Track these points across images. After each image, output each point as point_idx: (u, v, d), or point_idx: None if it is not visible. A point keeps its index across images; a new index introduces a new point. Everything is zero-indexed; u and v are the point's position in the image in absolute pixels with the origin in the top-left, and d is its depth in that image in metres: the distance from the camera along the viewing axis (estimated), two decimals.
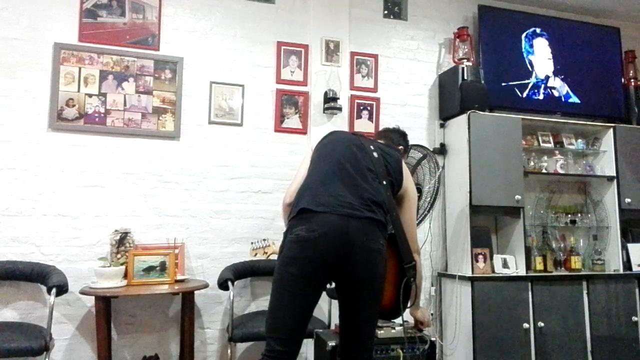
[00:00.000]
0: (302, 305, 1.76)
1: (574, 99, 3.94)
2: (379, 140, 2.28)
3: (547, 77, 3.90)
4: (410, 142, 3.30)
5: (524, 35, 3.87)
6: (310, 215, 1.76)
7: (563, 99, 3.92)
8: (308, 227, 1.74)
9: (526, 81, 3.82)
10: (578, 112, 3.93)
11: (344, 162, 1.89)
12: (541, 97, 3.86)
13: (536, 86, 3.85)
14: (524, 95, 3.80)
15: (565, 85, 3.94)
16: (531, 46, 3.88)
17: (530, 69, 3.85)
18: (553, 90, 3.89)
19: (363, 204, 1.79)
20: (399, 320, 3.14)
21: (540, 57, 3.90)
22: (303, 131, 3.43)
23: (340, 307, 1.86)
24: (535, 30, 3.91)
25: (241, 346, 3.18)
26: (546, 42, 3.94)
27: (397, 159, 2.04)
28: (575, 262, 3.56)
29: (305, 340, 3.21)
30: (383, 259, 1.81)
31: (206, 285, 2.90)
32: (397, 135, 2.39)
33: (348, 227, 1.74)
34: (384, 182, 1.90)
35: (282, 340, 1.75)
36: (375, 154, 1.96)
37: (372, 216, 1.79)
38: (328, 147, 1.99)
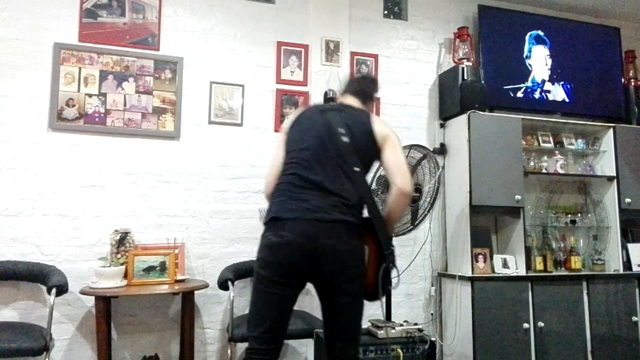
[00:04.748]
0: (277, 305, 1.77)
1: (573, 99, 3.94)
2: (349, 102, 2.12)
3: (545, 79, 3.90)
4: (410, 142, 3.32)
5: (525, 36, 3.87)
6: (281, 223, 1.78)
7: (563, 99, 3.92)
8: (276, 233, 1.77)
9: (526, 83, 3.82)
10: (578, 112, 3.93)
11: (313, 162, 1.85)
12: (541, 97, 3.85)
13: (536, 87, 3.85)
14: (524, 95, 3.80)
15: (564, 85, 3.94)
16: (531, 47, 3.88)
17: (530, 68, 3.84)
18: (552, 91, 3.89)
19: (332, 206, 1.78)
20: (399, 320, 3.15)
21: (541, 57, 3.90)
22: None
23: (321, 308, 1.87)
24: (535, 31, 3.91)
25: (241, 346, 3.18)
26: (546, 43, 3.94)
27: (364, 122, 1.94)
28: (575, 262, 3.56)
29: (305, 341, 3.22)
30: (358, 257, 1.80)
31: (206, 285, 2.90)
32: (367, 87, 2.21)
33: (316, 231, 1.74)
34: (356, 169, 1.86)
35: (261, 339, 1.77)
36: (344, 139, 1.87)
37: (343, 218, 1.77)
38: (298, 137, 1.94)
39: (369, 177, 1.96)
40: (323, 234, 1.74)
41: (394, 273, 1.92)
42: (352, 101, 2.12)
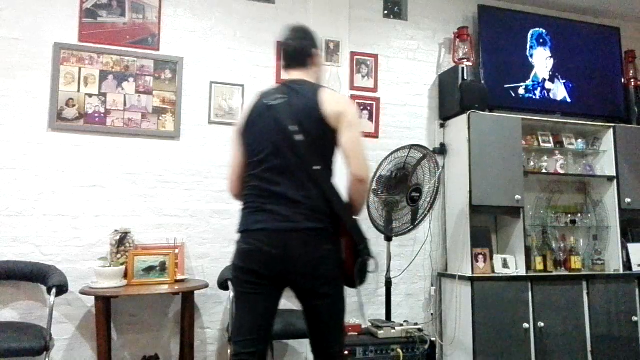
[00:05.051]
0: (256, 308, 1.77)
1: (573, 99, 3.94)
2: (294, 77, 1.94)
3: (546, 79, 3.90)
4: (410, 142, 3.32)
5: (527, 35, 3.87)
6: (250, 233, 1.78)
7: (563, 99, 3.92)
8: (246, 241, 1.78)
9: (526, 82, 3.82)
10: (578, 112, 3.92)
11: (272, 174, 1.79)
12: (541, 97, 3.86)
13: (535, 87, 3.85)
14: (524, 95, 3.80)
15: (564, 85, 3.94)
16: (532, 47, 3.88)
17: (530, 69, 3.85)
18: (551, 91, 3.89)
19: (299, 214, 1.74)
20: (399, 320, 3.15)
21: (541, 57, 3.90)
22: None
23: (303, 311, 1.85)
24: (535, 31, 3.91)
25: None
26: (546, 43, 3.94)
27: (313, 107, 1.79)
28: (575, 262, 3.56)
29: (304, 340, 3.21)
30: (331, 261, 1.77)
31: (206, 285, 2.90)
32: (302, 47, 1.96)
33: (285, 241, 1.72)
34: (316, 167, 1.77)
35: (243, 342, 1.76)
36: (297, 137, 1.76)
37: (310, 225, 1.73)
38: (253, 145, 1.85)
39: (335, 166, 1.87)
40: (292, 243, 1.72)
41: (371, 263, 1.87)
42: (295, 74, 1.94)
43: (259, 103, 1.90)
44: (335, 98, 1.84)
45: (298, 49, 1.95)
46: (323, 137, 1.81)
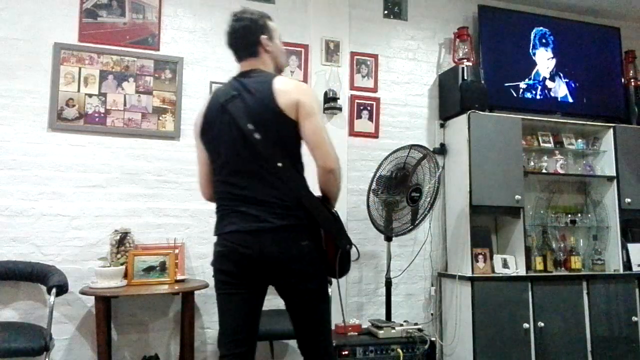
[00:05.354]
0: (237, 309, 1.75)
1: (573, 99, 3.94)
2: (246, 68, 1.86)
3: (546, 78, 3.90)
4: (410, 142, 3.32)
5: (527, 35, 3.87)
6: (224, 235, 1.76)
7: (563, 99, 3.92)
8: (222, 244, 1.76)
9: (526, 81, 3.82)
10: (578, 112, 3.92)
11: (237, 177, 1.75)
12: (541, 97, 3.86)
13: (535, 86, 3.85)
14: (524, 95, 3.81)
15: (565, 85, 3.94)
16: (534, 46, 3.88)
17: (532, 67, 3.85)
18: (552, 91, 3.89)
19: (270, 213, 1.70)
20: (399, 320, 3.15)
21: (541, 57, 3.90)
22: None
23: (286, 309, 1.83)
24: (538, 30, 3.91)
25: None
26: (548, 44, 3.94)
27: (268, 100, 1.71)
28: (575, 262, 3.56)
29: None
30: (309, 257, 1.73)
31: (206, 285, 2.90)
32: (246, 35, 1.88)
33: (259, 241, 1.69)
34: (279, 164, 1.70)
35: (228, 344, 1.74)
36: (256, 136, 1.69)
37: (284, 223, 1.70)
38: (214, 150, 1.81)
39: (303, 159, 1.81)
40: (266, 243, 1.69)
41: (352, 253, 1.82)
42: (247, 65, 1.86)
43: (214, 102, 1.83)
44: (290, 87, 1.75)
45: (240, 38, 1.87)
46: (283, 131, 1.73)
